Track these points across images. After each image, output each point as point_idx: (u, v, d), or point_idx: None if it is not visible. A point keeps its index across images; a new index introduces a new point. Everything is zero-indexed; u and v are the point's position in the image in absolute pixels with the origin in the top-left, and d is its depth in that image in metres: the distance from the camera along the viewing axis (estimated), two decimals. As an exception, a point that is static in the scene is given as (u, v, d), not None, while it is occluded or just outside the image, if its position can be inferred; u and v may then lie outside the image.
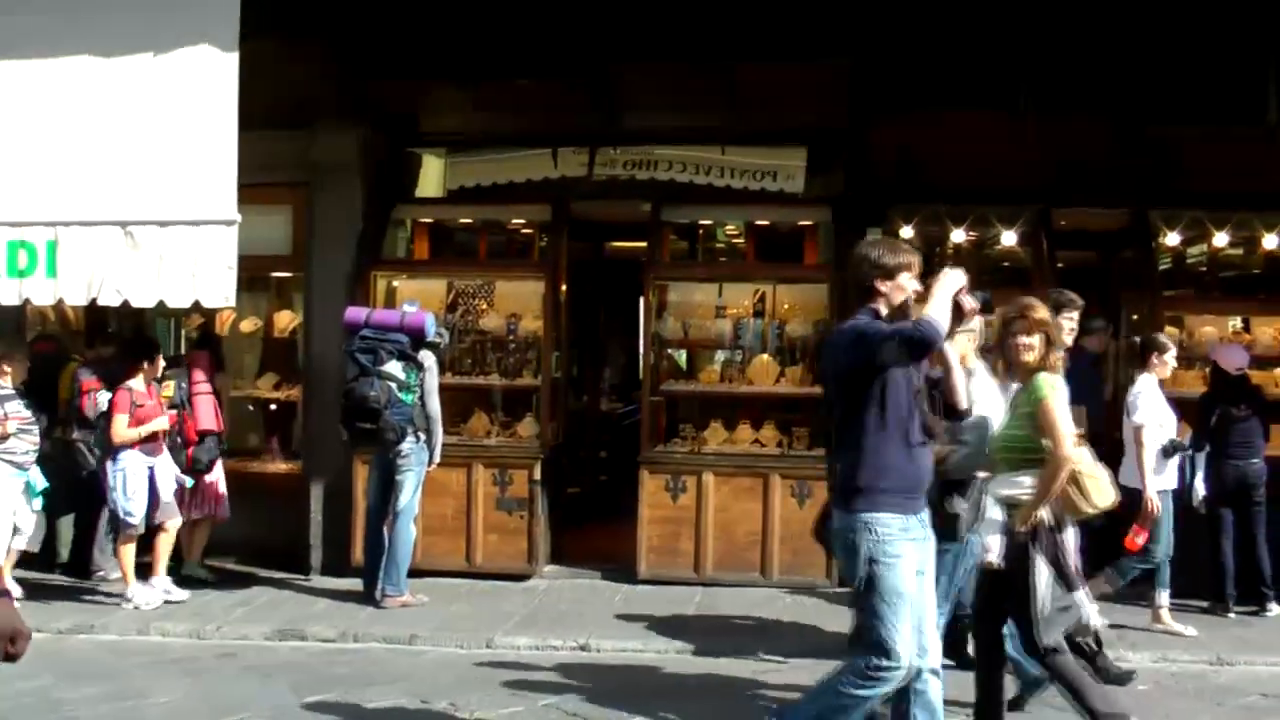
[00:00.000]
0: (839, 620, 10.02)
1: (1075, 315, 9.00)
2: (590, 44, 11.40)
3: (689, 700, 8.43)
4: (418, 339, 10.75)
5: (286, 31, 11.13)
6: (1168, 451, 9.95)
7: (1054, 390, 6.80)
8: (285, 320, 13.16)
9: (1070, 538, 6.80)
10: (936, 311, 5.82)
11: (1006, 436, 7.03)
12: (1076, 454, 6.74)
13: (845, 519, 6.08)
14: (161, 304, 8.84)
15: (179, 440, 11.17)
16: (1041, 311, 7.05)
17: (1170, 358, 10.26)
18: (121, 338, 12.00)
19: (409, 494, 10.70)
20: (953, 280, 5.98)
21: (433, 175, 13.43)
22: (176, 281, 8.67)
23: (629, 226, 13.39)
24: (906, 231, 12.32)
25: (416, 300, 11.46)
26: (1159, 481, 9.82)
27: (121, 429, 10.68)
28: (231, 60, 8.85)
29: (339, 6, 11.88)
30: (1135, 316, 13.30)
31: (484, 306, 12.79)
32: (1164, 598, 10.07)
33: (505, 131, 12.66)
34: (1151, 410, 9.91)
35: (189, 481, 11.22)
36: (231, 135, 8.76)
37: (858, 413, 6.01)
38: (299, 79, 11.66)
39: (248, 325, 13.08)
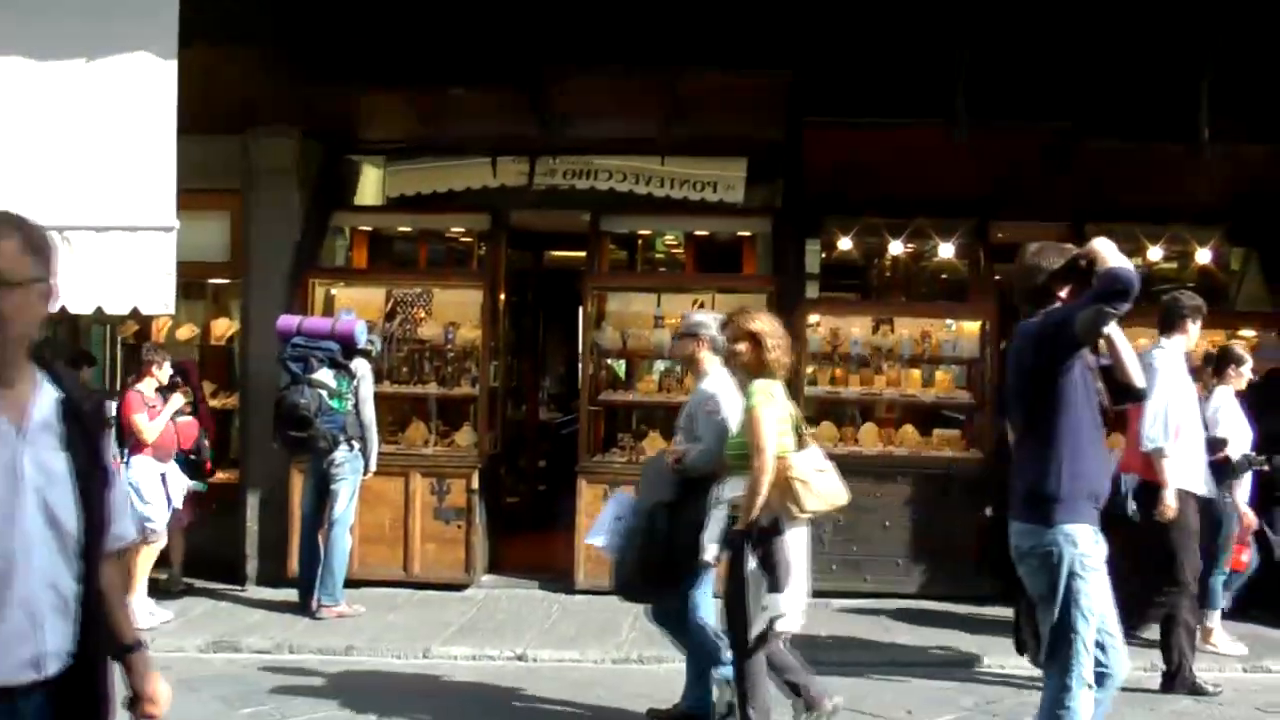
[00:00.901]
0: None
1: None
2: (528, 53, 11.36)
3: (628, 709, 8.44)
4: (349, 346, 10.69)
5: (224, 37, 11.04)
6: (1242, 466, 9.88)
7: (761, 398, 6.91)
8: (223, 328, 13.07)
9: (790, 540, 6.88)
10: (1118, 261, 5.83)
11: (733, 441, 7.14)
12: (796, 459, 6.89)
13: (1043, 533, 5.95)
14: (99, 310, 8.76)
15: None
16: (750, 319, 7.22)
17: (1247, 370, 10.18)
18: (62, 345, 11.85)
19: (344, 503, 10.65)
20: (1109, 243, 6.02)
21: (372, 183, 13.40)
22: (115, 288, 8.60)
23: (568, 236, 13.40)
24: (845, 243, 12.42)
25: (352, 309, 11.43)
26: (1239, 495, 9.81)
27: (145, 425, 10.45)
28: (170, 67, 8.82)
29: (276, 13, 11.81)
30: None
31: (422, 315, 12.76)
32: (1215, 619, 9.96)
33: (445, 140, 12.65)
34: (1231, 423, 9.81)
35: (203, 486, 11.22)
36: (170, 141, 8.72)
37: (1048, 416, 5.96)
38: (236, 84, 11.56)
39: (185, 333, 12.97)
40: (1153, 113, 11.18)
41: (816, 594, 11.20)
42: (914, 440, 12.31)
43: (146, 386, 10.68)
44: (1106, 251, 5.90)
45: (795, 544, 6.94)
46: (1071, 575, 5.87)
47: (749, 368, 7.15)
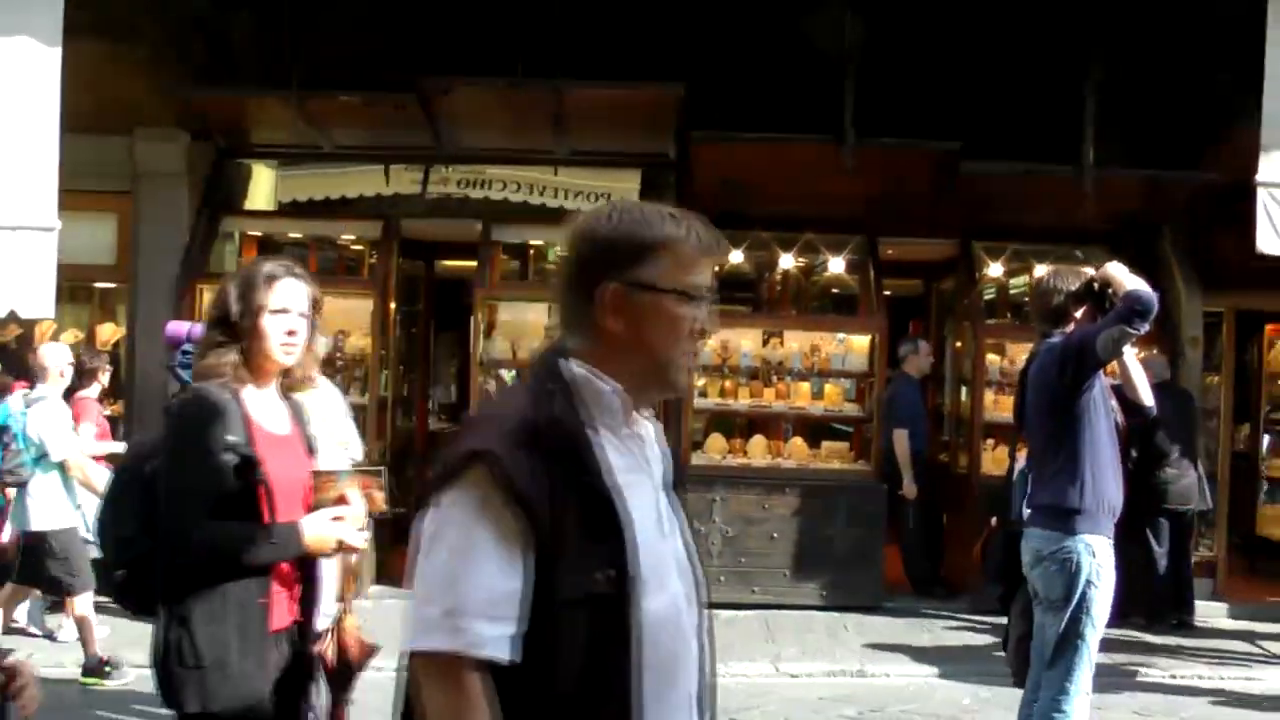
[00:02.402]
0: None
1: None
2: (415, 61, 11.31)
3: None
4: None
5: (110, 34, 10.90)
6: None
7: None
8: (108, 333, 12.82)
9: None
10: (1135, 284, 6.04)
11: None
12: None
13: (1063, 539, 6.17)
14: (-25, 313, 8.56)
15: None
16: None
17: None
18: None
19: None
20: (1122, 266, 6.25)
21: (263, 187, 13.27)
22: (-9, 288, 8.39)
23: (460, 245, 13.32)
24: (736, 256, 12.46)
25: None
26: None
27: (89, 440, 10.08)
28: (54, 57, 8.55)
29: (162, 13, 11.67)
30: (959, 344, 13.62)
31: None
32: None
33: (337, 146, 12.55)
34: None
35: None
36: (53, 137, 8.51)
37: (1071, 433, 6.18)
38: (123, 83, 11.40)
39: (68, 337, 12.69)
40: (1039, 137, 11.40)
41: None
42: (803, 453, 12.41)
43: (93, 392, 10.40)
44: (1121, 275, 6.16)
45: None
46: (1088, 583, 6.14)
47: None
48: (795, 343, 12.74)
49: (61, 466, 9.39)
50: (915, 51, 11.85)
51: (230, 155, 12.82)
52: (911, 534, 12.35)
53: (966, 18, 11.76)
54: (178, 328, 10.62)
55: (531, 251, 13.85)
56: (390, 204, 12.83)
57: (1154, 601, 11.22)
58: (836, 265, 12.70)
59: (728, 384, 12.50)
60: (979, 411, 12.26)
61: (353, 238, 13.61)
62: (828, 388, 12.69)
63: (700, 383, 12.24)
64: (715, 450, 12.27)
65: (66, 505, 9.42)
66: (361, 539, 4.23)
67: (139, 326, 12.04)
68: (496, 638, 2.46)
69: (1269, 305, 13.56)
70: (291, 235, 13.46)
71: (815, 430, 12.99)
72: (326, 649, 4.33)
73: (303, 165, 13.11)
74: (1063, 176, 11.52)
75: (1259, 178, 9.69)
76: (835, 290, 14.36)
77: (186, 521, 3.97)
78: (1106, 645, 6.67)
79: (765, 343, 12.80)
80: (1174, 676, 10.02)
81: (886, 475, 11.88)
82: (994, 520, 8.55)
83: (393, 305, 12.64)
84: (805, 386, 12.58)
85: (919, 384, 12.54)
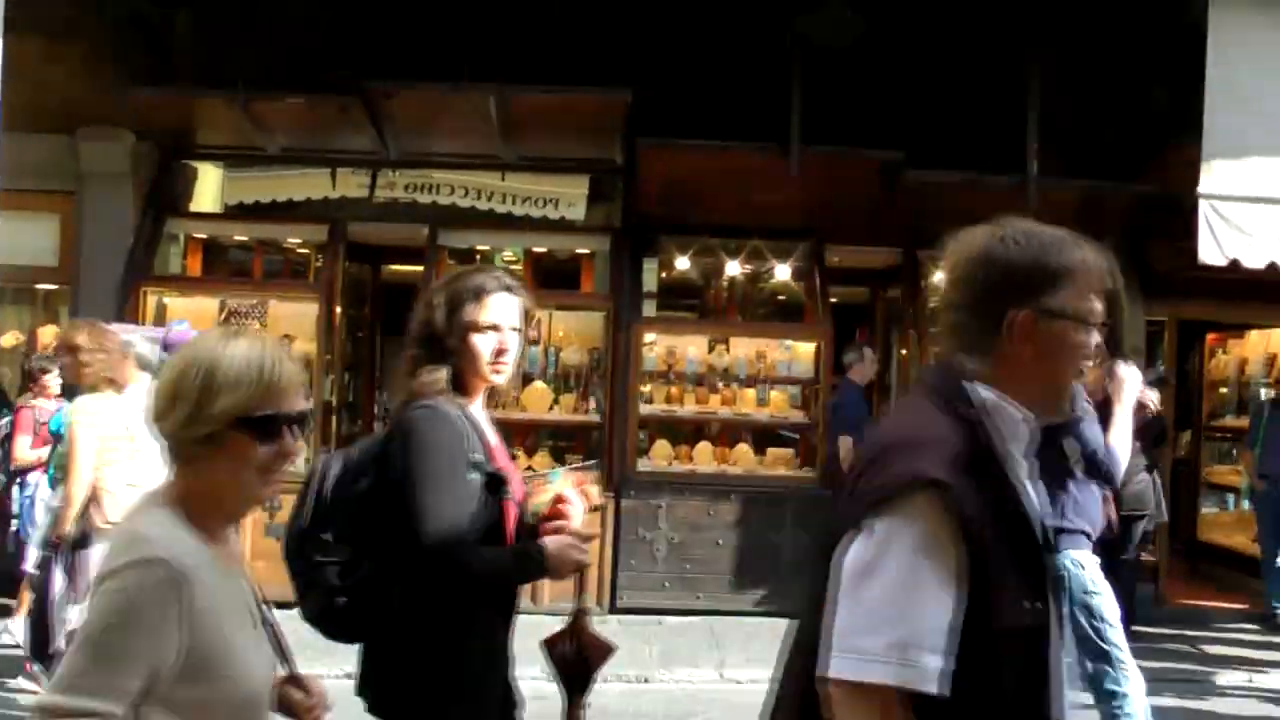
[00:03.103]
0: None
1: None
2: (361, 64, 11.27)
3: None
4: None
5: (50, 32, 10.79)
6: None
7: (81, 416, 7.09)
8: (50, 335, 12.70)
9: (91, 555, 6.97)
10: (1125, 415, 7.07)
11: (58, 453, 7.26)
12: (108, 472, 7.01)
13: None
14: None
15: None
16: (74, 332, 7.41)
17: None
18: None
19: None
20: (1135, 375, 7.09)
21: (209, 189, 13.17)
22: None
23: (407, 250, 13.29)
24: (682, 262, 12.50)
25: (186, 320, 11.16)
26: None
27: (24, 450, 9.95)
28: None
29: (105, 11, 11.59)
30: (904, 352, 13.69)
31: (257, 327, 12.51)
32: None
33: (284, 148, 12.49)
34: None
35: None
36: (-7, 135, 8.44)
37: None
38: (65, 82, 11.28)
39: (9, 340, 12.63)
40: (983, 147, 11.48)
41: (650, 611, 11.38)
42: (748, 459, 12.42)
43: (43, 400, 10.17)
44: (1126, 391, 7.09)
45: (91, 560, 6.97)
46: (1086, 593, 6.48)
47: (78, 381, 7.21)
48: (741, 349, 12.78)
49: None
50: (861, 60, 11.91)
51: (175, 156, 12.72)
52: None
53: (911, 28, 11.84)
54: (121, 330, 10.65)
55: (478, 257, 13.81)
56: (337, 207, 12.78)
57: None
58: (782, 272, 12.75)
59: (674, 390, 12.51)
60: (924, 418, 12.29)
61: (299, 241, 13.56)
62: (773, 394, 12.71)
63: (646, 389, 12.26)
64: (661, 457, 12.29)
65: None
66: (590, 539, 4.04)
67: (81, 330, 11.93)
68: (941, 672, 2.40)
69: (1209, 315, 13.72)
70: (237, 238, 13.42)
71: (761, 437, 13.01)
72: (567, 650, 4.20)
73: (249, 167, 13.02)
74: (1005, 187, 11.60)
75: (1200, 190, 9.81)
76: (781, 297, 14.40)
77: (453, 545, 3.75)
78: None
79: (711, 349, 12.84)
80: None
81: (832, 482, 11.91)
82: None
83: (339, 310, 12.59)
84: (751, 393, 12.60)
85: (864, 391, 12.59)
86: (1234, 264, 9.80)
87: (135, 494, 6.83)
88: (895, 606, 2.43)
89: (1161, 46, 11.08)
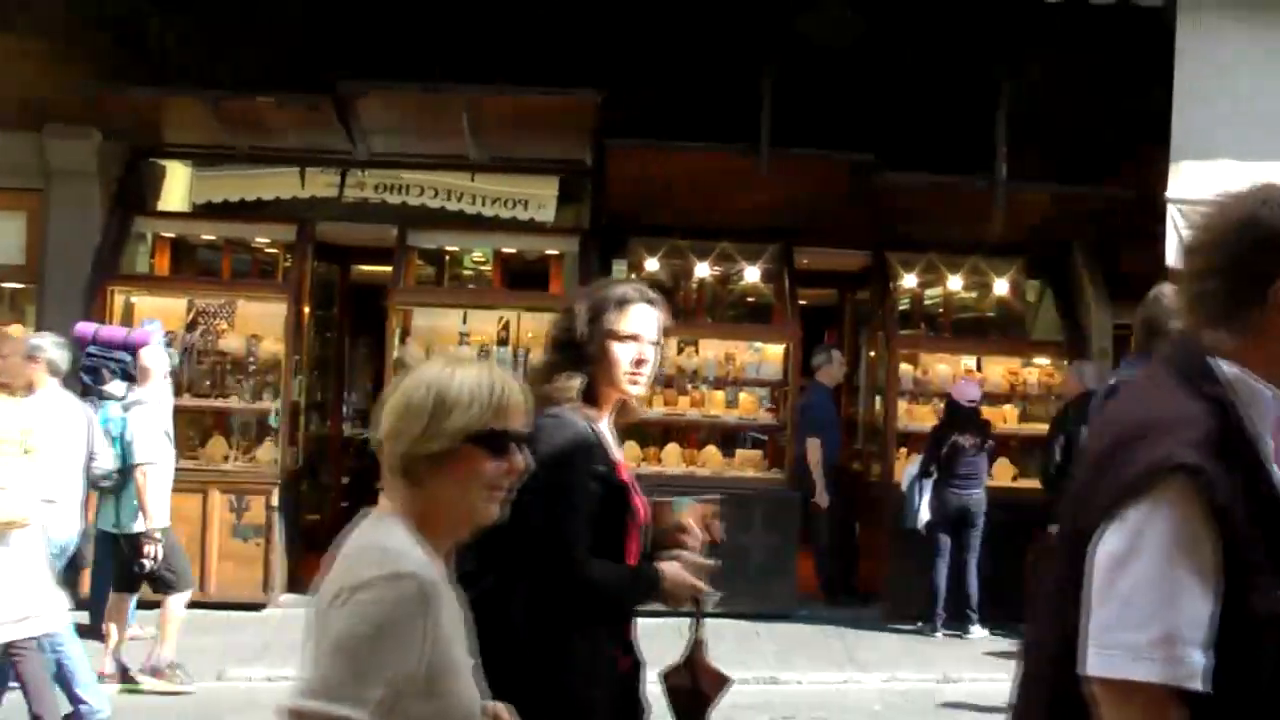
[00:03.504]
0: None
1: None
2: (332, 64, 11.24)
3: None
4: None
5: (17, 28, 10.74)
6: None
7: None
8: (16, 334, 12.61)
9: None
10: None
11: None
12: None
13: None
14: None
15: None
16: None
17: None
18: None
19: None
20: None
21: (178, 188, 13.12)
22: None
23: (376, 250, 13.25)
24: (651, 264, 12.49)
25: (157, 319, 11.08)
26: None
27: None
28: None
29: (72, 8, 11.52)
30: (872, 353, 13.72)
31: (225, 327, 12.46)
32: None
33: (253, 148, 12.43)
34: None
35: None
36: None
37: None
38: (31, 79, 11.24)
39: (-25, 337, 12.54)
40: (954, 151, 11.51)
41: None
42: (717, 461, 12.42)
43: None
44: None
45: None
46: None
47: None
48: (710, 351, 12.80)
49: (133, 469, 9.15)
50: (832, 63, 11.93)
51: (144, 155, 12.67)
52: (825, 542, 12.41)
53: (883, 31, 11.86)
54: (85, 329, 10.61)
55: (447, 257, 13.80)
56: (306, 207, 12.75)
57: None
58: (752, 274, 12.77)
59: (642, 392, 12.47)
60: (892, 420, 12.36)
61: (267, 241, 13.48)
62: (742, 396, 12.72)
63: (614, 390, 12.23)
64: (629, 458, 12.16)
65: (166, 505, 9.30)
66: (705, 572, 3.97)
67: (47, 328, 11.80)
68: (1206, 668, 2.30)
69: (1177, 318, 13.76)
70: (205, 237, 13.35)
71: (729, 438, 13.03)
72: (683, 682, 4.15)
73: (218, 166, 12.98)
74: (975, 190, 11.63)
75: (1169, 194, 9.88)
76: (750, 299, 14.41)
77: (574, 560, 3.67)
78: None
79: (680, 351, 12.82)
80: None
81: (800, 484, 11.93)
82: (1052, 529, 8.59)
83: (307, 309, 12.55)
84: (720, 395, 12.61)
85: (832, 393, 12.62)
86: (1202, 269, 9.84)
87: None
88: (1154, 600, 2.34)
89: (1132, 52, 11.13)
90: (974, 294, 13.80)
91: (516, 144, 12.28)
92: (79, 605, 10.38)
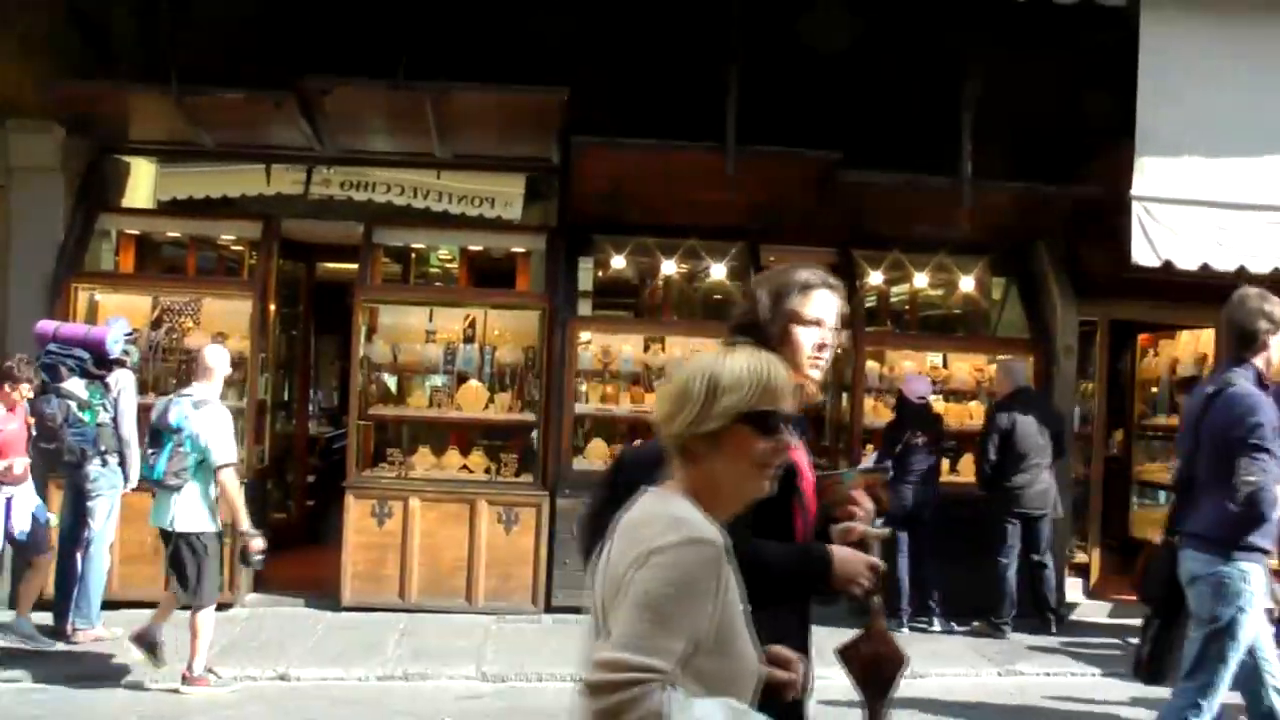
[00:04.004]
0: (545, 645, 10.19)
1: None
2: (298, 60, 11.18)
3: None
4: (102, 355, 10.28)
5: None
6: None
7: None
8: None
9: None
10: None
11: None
12: None
13: (1219, 564, 6.34)
14: None
15: None
16: None
17: None
18: None
19: (100, 521, 10.18)
20: None
21: (143, 185, 13.04)
22: None
23: (342, 247, 13.21)
24: (618, 261, 12.49)
25: (122, 317, 11.00)
26: None
27: None
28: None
29: (33, 2, 11.46)
30: (839, 351, 13.72)
31: (190, 325, 12.41)
32: None
33: (218, 144, 12.36)
34: None
35: (53, 518, 10.33)
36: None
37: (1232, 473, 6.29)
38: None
39: (-65, 336, 12.46)
40: (921, 149, 11.55)
41: (574, 610, 11.39)
42: (684, 458, 12.39)
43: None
44: None
45: None
46: (1240, 609, 6.29)
47: None
48: (676, 349, 12.78)
49: (214, 470, 9.17)
50: (799, 61, 11.96)
51: (108, 151, 12.58)
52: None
53: (850, 30, 11.91)
54: (45, 326, 10.56)
55: (413, 255, 13.78)
56: (271, 204, 12.69)
57: (1007, 602, 11.45)
58: (718, 272, 12.76)
59: (609, 389, 12.51)
60: (859, 417, 12.39)
61: (232, 238, 13.44)
62: (709, 393, 12.70)
63: (581, 388, 12.25)
64: (597, 455, 12.27)
65: (210, 509, 9.25)
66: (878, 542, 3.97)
67: (10, 325, 11.75)
68: None
69: (1141, 315, 13.85)
70: (170, 234, 13.27)
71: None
72: (863, 655, 4.04)
73: (182, 163, 12.89)
74: (941, 188, 11.66)
75: (1133, 192, 9.98)
76: (717, 297, 14.42)
77: (736, 539, 3.43)
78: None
79: (646, 348, 12.85)
80: (1048, 674, 10.41)
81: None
82: (1158, 539, 8.59)
83: (272, 307, 12.51)
84: (686, 392, 12.58)
85: (799, 390, 12.61)
86: (1167, 265, 9.95)
87: None
88: None
89: (1097, 53, 11.19)
90: (940, 291, 13.87)
91: (483, 141, 12.26)
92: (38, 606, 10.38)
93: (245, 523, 9.19)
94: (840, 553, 3.78)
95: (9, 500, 9.87)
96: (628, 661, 2.73)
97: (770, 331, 3.81)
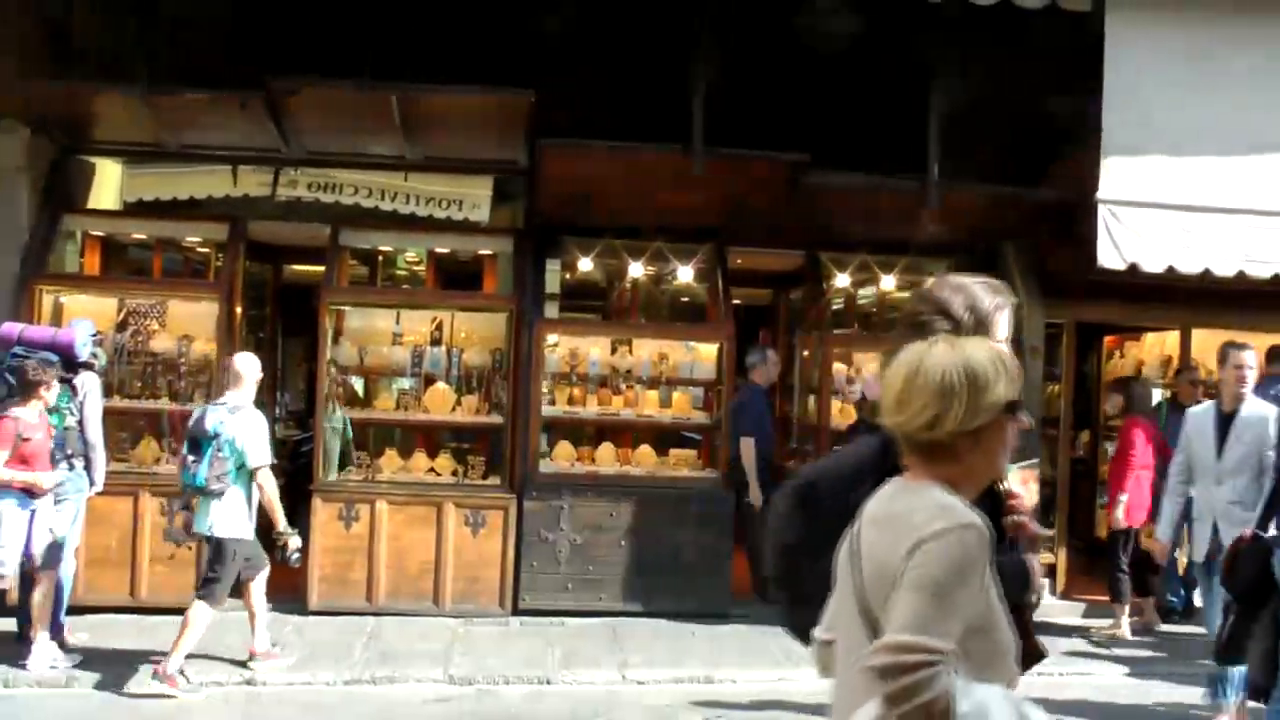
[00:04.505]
0: (512, 647, 10.19)
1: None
2: (265, 60, 11.13)
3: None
4: (70, 358, 10.20)
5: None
6: None
7: None
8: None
9: None
10: None
11: None
12: None
13: None
14: None
15: None
16: None
17: None
18: None
19: (66, 525, 10.07)
20: None
21: (109, 186, 12.97)
22: None
23: (309, 249, 13.17)
24: (585, 264, 12.48)
25: (89, 319, 10.90)
26: None
27: None
28: None
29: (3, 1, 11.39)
30: (806, 353, 13.77)
31: (155, 327, 12.34)
32: None
33: (184, 145, 12.31)
34: None
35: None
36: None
37: None
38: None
39: (-104, 340, 12.35)
40: (888, 152, 11.58)
41: (552, 612, 11.39)
42: (651, 460, 12.44)
43: (26, 412, 9.56)
44: None
45: None
46: None
47: None
48: (644, 351, 12.80)
49: (250, 475, 9.50)
50: (767, 64, 11.98)
51: (73, 151, 12.51)
52: (759, 541, 12.41)
53: (816, 32, 11.93)
54: (9, 329, 10.46)
55: (380, 257, 13.73)
56: (238, 206, 12.64)
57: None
58: (685, 274, 12.77)
59: (576, 392, 12.50)
60: (826, 419, 12.42)
61: (199, 239, 13.38)
62: (676, 396, 12.75)
63: (548, 390, 12.24)
64: (563, 458, 12.28)
65: (249, 515, 9.60)
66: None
67: (-25, 329, 11.70)
68: None
69: (1107, 317, 13.94)
70: (136, 236, 13.20)
71: (663, 438, 13.04)
72: None
73: (149, 164, 12.83)
74: (907, 190, 11.70)
75: (1099, 195, 10.05)
76: (684, 299, 14.45)
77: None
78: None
79: (614, 351, 12.85)
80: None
81: (734, 483, 11.95)
82: (1247, 532, 8.62)
83: (239, 309, 12.44)
84: (654, 394, 12.63)
85: (766, 392, 12.65)
86: (1133, 267, 10.02)
87: None
88: None
89: (1063, 52, 11.24)
90: (907, 294, 13.89)
91: (450, 144, 12.23)
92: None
93: (282, 522, 9.58)
94: (1032, 560, 3.90)
95: (33, 514, 9.57)
96: (917, 644, 2.82)
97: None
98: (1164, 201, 10.14)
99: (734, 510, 11.94)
